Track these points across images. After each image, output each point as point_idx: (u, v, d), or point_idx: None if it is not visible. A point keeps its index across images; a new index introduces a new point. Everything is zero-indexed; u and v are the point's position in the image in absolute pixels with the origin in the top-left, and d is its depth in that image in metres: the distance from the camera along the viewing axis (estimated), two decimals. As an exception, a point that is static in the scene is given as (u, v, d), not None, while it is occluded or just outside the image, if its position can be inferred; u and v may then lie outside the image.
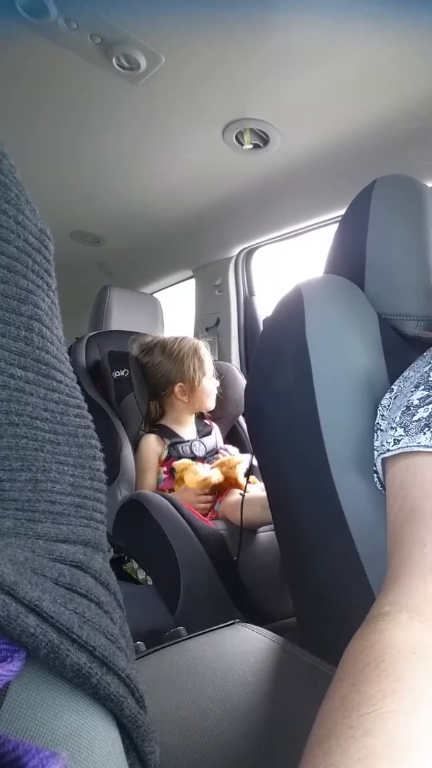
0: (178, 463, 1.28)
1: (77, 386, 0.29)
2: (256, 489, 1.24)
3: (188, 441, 1.37)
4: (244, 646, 0.53)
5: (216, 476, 1.22)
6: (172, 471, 1.32)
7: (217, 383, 1.42)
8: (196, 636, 0.56)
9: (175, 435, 1.37)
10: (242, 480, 1.24)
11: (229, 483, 1.26)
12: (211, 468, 1.27)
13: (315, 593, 0.67)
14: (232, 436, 1.55)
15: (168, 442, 1.35)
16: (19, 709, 0.16)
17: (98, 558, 0.25)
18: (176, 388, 1.37)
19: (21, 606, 0.17)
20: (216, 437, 1.43)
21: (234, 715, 0.41)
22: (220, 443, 1.44)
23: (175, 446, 1.34)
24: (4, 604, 0.16)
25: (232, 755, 0.37)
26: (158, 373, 1.39)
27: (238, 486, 1.26)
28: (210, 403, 1.39)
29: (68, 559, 0.22)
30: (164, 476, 1.33)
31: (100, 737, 0.18)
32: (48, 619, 0.17)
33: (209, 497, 1.22)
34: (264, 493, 1.11)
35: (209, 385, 1.38)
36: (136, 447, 1.37)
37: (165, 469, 1.33)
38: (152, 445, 1.35)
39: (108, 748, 0.18)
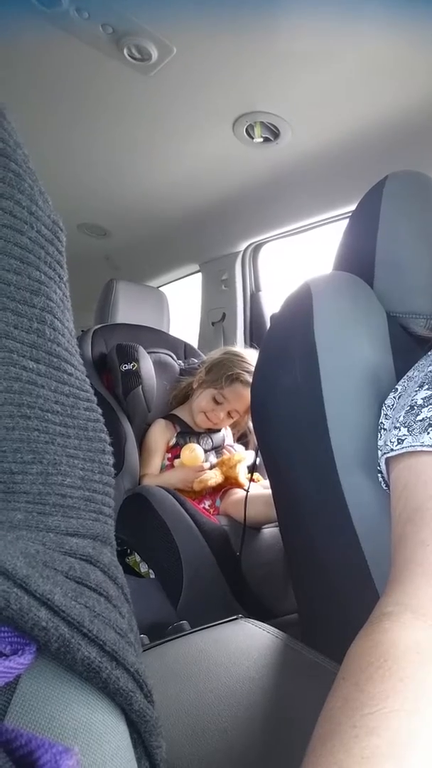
0: (184, 448, 1.30)
1: (87, 379, 0.29)
2: (258, 487, 1.24)
3: (196, 433, 1.37)
4: (248, 641, 0.54)
5: (215, 478, 1.22)
6: (175, 459, 1.32)
7: (219, 419, 1.36)
8: (199, 630, 0.56)
9: (186, 426, 1.38)
10: (242, 479, 1.24)
11: (229, 482, 1.27)
12: (210, 468, 1.27)
13: (318, 591, 0.68)
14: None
15: (178, 429, 1.36)
16: (30, 702, 0.16)
17: (107, 552, 0.25)
18: (202, 372, 1.38)
19: (33, 599, 0.17)
20: (224, 434, 1.43)
21: (237, 711, 0.41)
22: (228, 441, 1.44)
23: (183, 435, 1.35)
24: (17, 598, 0.16)
25: (235, 750, 0.37)
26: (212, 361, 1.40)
27: (238, 485, 1.26)
28: (198, 420, 1.37)
29: (78, 553, 0.22)
30: (167, 462, 1.33)
31: (109, 731, 0.18)
32: (59, 613, 0.17)
33: (209, 474, 1.22)
34: (268, 491, 1.12)
35: (205, 403, 1.34)
36: (140, 441, 1.38)
37: (169, 455, 1.34)
38: (162, 429, 1.37)
39: (117, 742, 0.18)
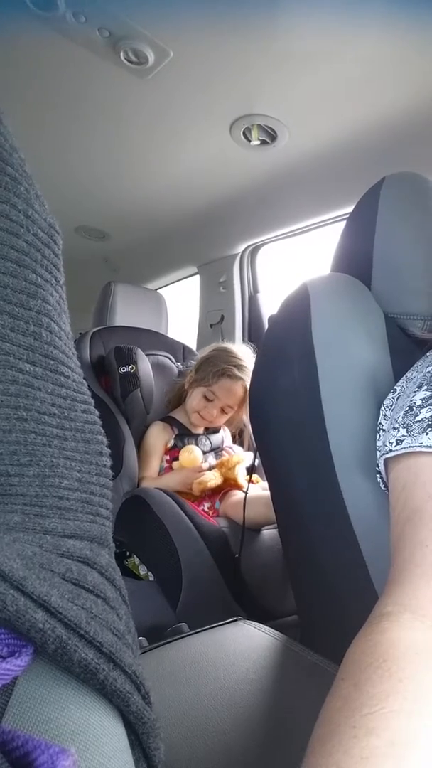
0: (182, 450, 1.29)
1: (84, 382, 0.29)
2: (257, 488, 1.24)
3: (194, 435, 1.37)
4: (247, 643, 0.54)
5: (215, 479, 1.22)
6: (173, 461, 1.33)
7: (212, 417, 1.36)
8: (198, 632, 0.56)
9: (184, 428, 1.38)
10: (241, 480, 1.24)
11: (228, 484, 1.27)
12: (209, 469, 1.27)
13: (317, 592, 0.68)
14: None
15: (176, 432, 1.36)
16: (27, 704, 0.16)
17: (104, 554, 0.25)
18: (192, 372, 1.39)
19: (30, 601, 0.17)
20: (223, 436, 1.43)
21: (236, 712, 0.41)
22: (227, 442, 1.44)
23: (181, 437, 1.35)
24: (14, 599, 0.16)
25: (234, 751, 0.37)
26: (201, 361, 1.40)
27: (237, 486, 1.26)
28: (193, 419, 1.38)
29: (75, 555, 0.22)
30: (165, 465, 1.33)
31: (106, 733, 0.18)
32: (56, 615, 0.17)
33: (208, 475, 1.22)
34: (267, 492, 1.11)
35: (196, 402, 1.34)
36: (139, 443, 1.38)
37: (168, 457, 1.34)
38: (160, 431, 1.37)
39: (114, 744, 0.18)
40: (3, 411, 0.21)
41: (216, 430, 1.43)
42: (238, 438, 1.50)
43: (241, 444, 1.49)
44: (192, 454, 1.27)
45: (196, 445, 1.34)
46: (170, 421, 1.39)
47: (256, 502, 1.09)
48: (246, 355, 1.36)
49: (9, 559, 0.17)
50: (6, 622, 0.16)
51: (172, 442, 1.36)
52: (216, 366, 1.31)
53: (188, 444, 1.33)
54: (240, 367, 1.31)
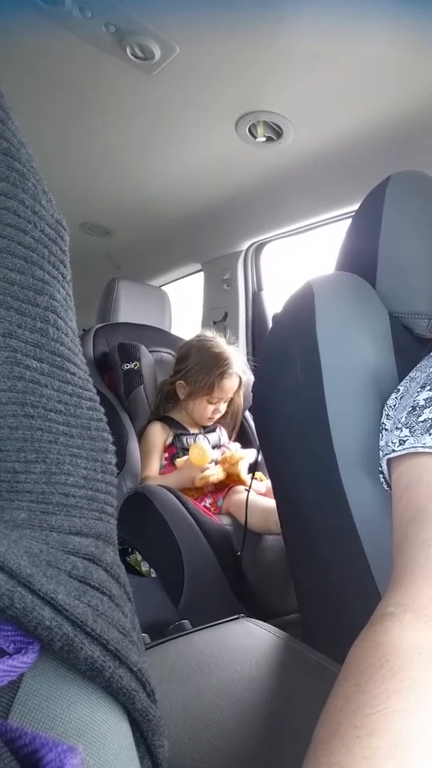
0: (192, 447, 1.30)
1: (89, 379, 0.29)
2: (261, 486, 1.24)
3: (192, 434, 1.38)
4: (249, 641, 0.54)
5: (217, 474, 1.22)
6: (172, 458, 1.33)
7: (220, 412, 1.38)
8: (200, 629, 0.56)
9: (181, 427, 1.38)
10: (244, 476, 1.25)
11: (231, 480, 1.27)
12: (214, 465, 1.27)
13: (320, 590, 0.68)
14: (238, 432, 1.55)
15: (174, 431, 1.36)
16: (33, 701, 0.16)
17: (109, 551, 0.25)
18: (178, 384, 1.38)
19: (37, 598, 0.17)
20: (220, 434, 1.43)
21: (238, 710, 0.41)
22: (224, 440, 1.44)
23: (179, 437, 1.36)
24: (21, 597, 0.16)
25: (236, 749, 0.38)
26: (183, 364, 1.40)
27: (240, 482, 1.26)
28: (205, 422, 1.39)
29: (81, 552, 0.22)
30: (164, 462, 1.33)
31: (111, 730, 0.18)
32: (63, 612, 0.17)
33: (211, 469, 1.23)
34: (268, 500, 1.12)
35: (203, 410, 1.36)
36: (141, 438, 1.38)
37: (166, 455, 1.34)
38: (159, 431, 1.37)
39: (119, 741, 0.18)
40: (10, 408, 0.21)
41: (213, 429, 1.43)
42: (231, 437, 1.51)
43: (235, 417, 1.49)
44: (203, 451, 1.26)
45: (195, 443, 1.34)
46: (167, 421, 1.39)
47: (254, 508, 1.09)
48: (223, 343, 1.38)
49: (16, 557, 0.17)
50: (13, 619, 0.16)
51: (170, 440, 1.36)
52: (210, 371, 1.31)
53: (196, 441, 1.33)
54: (230, 363, 1.33)
